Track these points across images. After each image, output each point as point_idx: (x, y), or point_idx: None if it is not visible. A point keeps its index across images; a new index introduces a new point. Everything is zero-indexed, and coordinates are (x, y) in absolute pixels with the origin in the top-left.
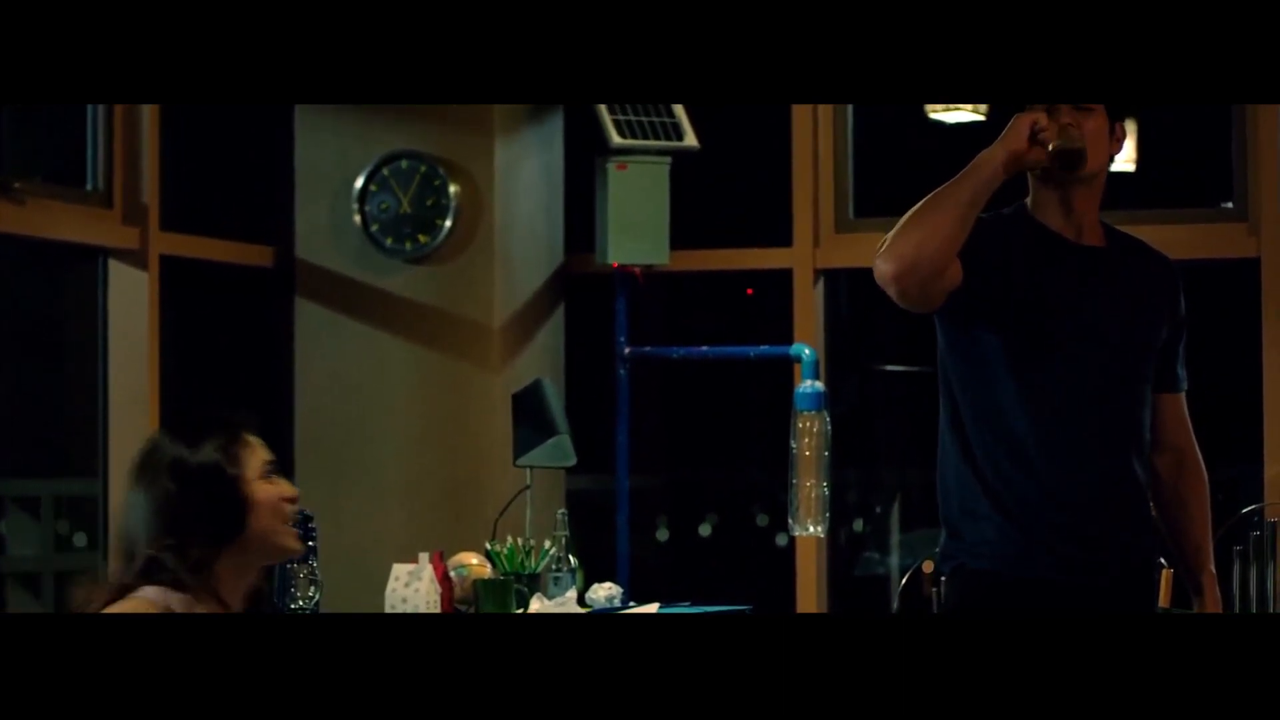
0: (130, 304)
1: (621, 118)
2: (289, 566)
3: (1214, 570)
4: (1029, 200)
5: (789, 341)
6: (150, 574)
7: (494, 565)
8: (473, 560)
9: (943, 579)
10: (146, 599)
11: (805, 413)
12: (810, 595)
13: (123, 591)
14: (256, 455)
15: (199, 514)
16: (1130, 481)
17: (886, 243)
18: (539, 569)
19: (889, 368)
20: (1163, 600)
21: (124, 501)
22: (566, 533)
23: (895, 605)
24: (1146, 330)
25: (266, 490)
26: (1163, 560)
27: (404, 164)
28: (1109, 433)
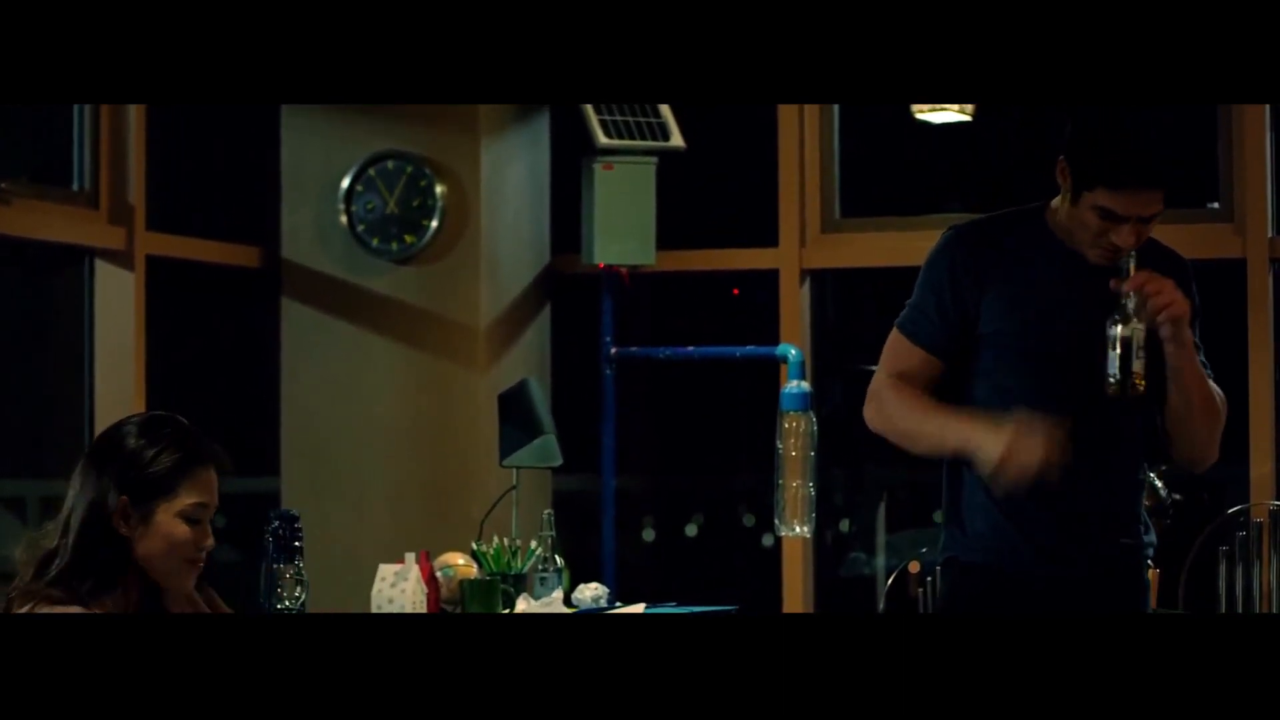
0: (116, 304)
1: (608, 118)
2: (275, 567)
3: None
4: (1054, 208)
5: (775, 342)
6: (52, 575)
7: (480, 566)
8: (459, 560)
9: (937, 569)
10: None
11: (791, 413)
12: (796, 596)
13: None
14: (197, 493)
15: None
16: (1119, 481)
17: (874, 404)
18: (525, 569)
19: (875, 368)
20: (1151, 601)
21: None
22: (553, 533)
23: (881, 606)
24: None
25: (178, 526)
26: (1150, 561)
27: (390, 164)
28: (1097, 437)
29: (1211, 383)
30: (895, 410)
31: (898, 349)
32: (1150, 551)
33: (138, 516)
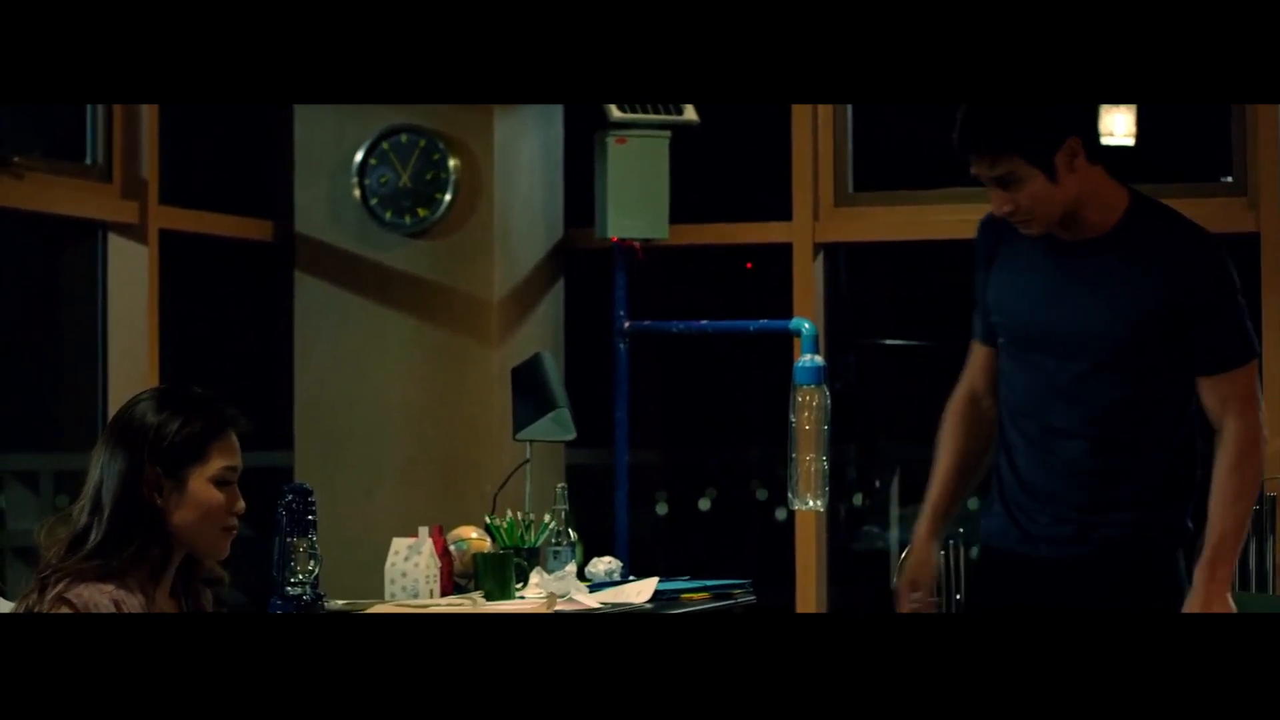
0: (130, 278)
1: None
2: (288, 541)
3: (1217, 569)
4: None
5: (788, 316)
6: (87, 551)
7: (493, 539)
8: (472, 534)
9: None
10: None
11: (805, 387)
12: (809, 570)
13: (48, 584)
14: (226, 456)
15: (143, 486)
16: (1101, 467)
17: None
18: (538, 543)
19: (888, 342)
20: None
21: (95, 454)
22: (566, 507)
23: (894, 580)
24: (1120, 326)
25: (212, 492)
26: (1169, 536)
27: (404, 138)
28: (1073, 424)
29: (1232, 453)
30: (938, 447)
31: (972, 346)
32: (1165, 529)
33: (170, 485)
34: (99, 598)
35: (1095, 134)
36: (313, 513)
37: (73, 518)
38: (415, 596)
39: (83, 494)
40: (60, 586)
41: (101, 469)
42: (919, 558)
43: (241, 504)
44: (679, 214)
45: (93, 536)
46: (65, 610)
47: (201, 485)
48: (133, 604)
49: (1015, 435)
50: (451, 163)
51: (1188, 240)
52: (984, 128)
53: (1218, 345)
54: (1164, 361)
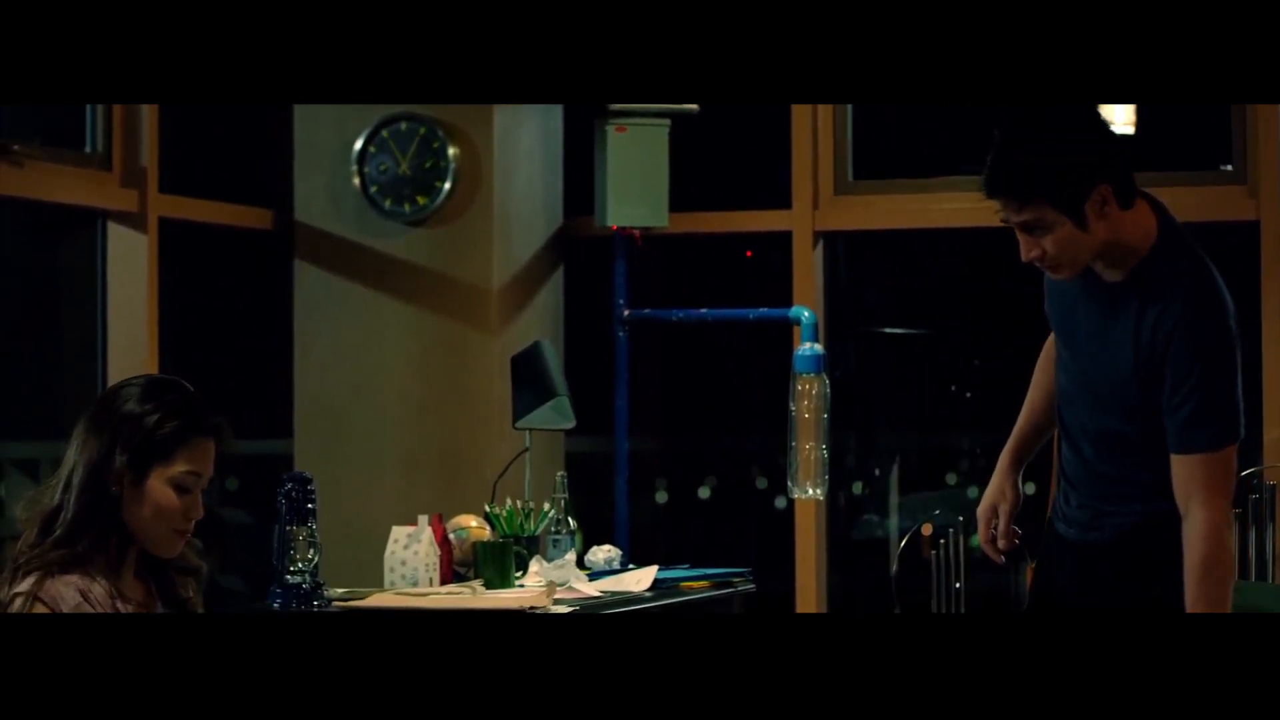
0: (129, 267)
1: None
2: (288, 529)
3: None
4: None
5: (788, 304)
6: (57, 535)
7: (493, 528)
8: (472, 523)
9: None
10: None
11: (804, 375)
12: (809, 558)
13: (28, 568)
14: (193, 462)
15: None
16: (1105, 473)
17: None
18: (538, 531)
19: (887, 330)
20: None
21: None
22: (565, 495)
23: (894, 568)
24: (1109, 365)
25: (168, 494)
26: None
27: (403, 126)
28: (1085, 431)
29: (1193, 539)
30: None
31: None
32: (1172, 520)
33: (131, 479)
34: (65, 590)
35: (1127, 180)
36: (312, 501)
37: (48, 494)
38: (415, 585)
39: (59, 470)
40: (31, 582)
41: (76, 450)
42: (996, 485)
43: (199, 511)
44: (678, 202)
45: (61, 517)
46: (41, 610)
47: (159, 485)
48: (98, 591)
49: (1060, 420)
50: (451, 151)
51: (1180, 306)
52: (1013, 172)
53: (1186, 422)
54: (1154, 410)
